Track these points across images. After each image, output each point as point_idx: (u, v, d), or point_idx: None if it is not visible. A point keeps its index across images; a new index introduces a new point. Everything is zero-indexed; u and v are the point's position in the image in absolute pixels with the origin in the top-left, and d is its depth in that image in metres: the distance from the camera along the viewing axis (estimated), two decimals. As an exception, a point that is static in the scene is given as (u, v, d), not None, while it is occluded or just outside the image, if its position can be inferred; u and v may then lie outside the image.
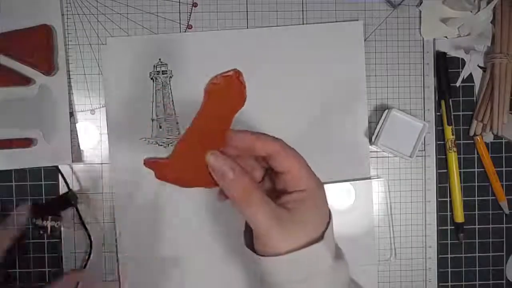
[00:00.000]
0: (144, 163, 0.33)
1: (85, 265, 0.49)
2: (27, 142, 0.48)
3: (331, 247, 0.33)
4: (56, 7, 0.49)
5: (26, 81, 0.48)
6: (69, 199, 0.48)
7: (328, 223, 0.33)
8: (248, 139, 0.33)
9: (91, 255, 0.49)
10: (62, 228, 0.49)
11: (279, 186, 0.34)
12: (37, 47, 0.47)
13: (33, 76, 0.48)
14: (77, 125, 0.50)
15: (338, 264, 0.33)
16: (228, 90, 0.31)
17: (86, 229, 0.49)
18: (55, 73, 0.49)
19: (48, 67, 0.48)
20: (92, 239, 0.49)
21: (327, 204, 0.34)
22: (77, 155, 0.49)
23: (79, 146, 0.50)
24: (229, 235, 0.50)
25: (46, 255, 0.50)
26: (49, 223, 0.46)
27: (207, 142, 0.32)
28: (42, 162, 0.49)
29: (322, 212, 0.33)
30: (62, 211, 0.49)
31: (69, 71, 0.49)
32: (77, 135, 0.50)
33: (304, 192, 0.32)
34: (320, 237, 0.32)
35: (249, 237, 0.33)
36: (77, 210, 0.49)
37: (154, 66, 0.49)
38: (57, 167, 0.49)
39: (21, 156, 0.48)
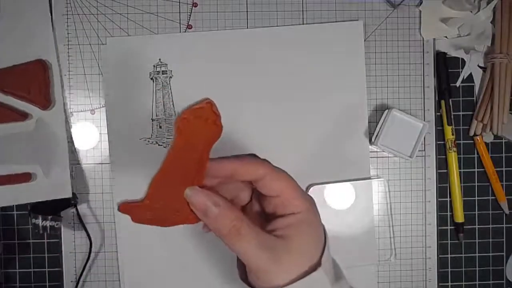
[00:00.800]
0: (119, 209, 0.31)
1: (85, 265, 0.49)
2: (26, 177, 0.47)
3: (329, 271, 0.31)
4: (51, 42, 0.48)
5: (23, 116, 0.47)
6: (69, 199, 0.48)
7: (324, 244, 0.31)
8: (229, 167, 0.30)
9: (91, 255, 0.49)
10: (62, 228, 0.49)
11: (269, 209, 0.32)
12: (33, 83, 0.47)
13: (30, 111, 0.47)
14: (77, 125, 0.50)
15: (338, 286, 0.31)
16: (201, 123, 0.29)
17: (86, 229, 0.49)
18: (52, 107, 0.48)
19: (45, 102, 0.47)
20: (92, 239, 0.49)
21: (321, 222, 0.32)
22: (75, 156, 0.49)
23: (75, 148, 0.49)
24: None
25: (46, 255, 0.50)
26: (49, 223, 0.46)
27: (184, 177, 0.30)
28: (42, 197, 0.47)
29: (318, 233, 0.31)
30: (62, 211, 0.49)
31: (65, 103, 0.49)
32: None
33: (297, 215, 0.30)
34: (318, 264, 0.30)
35: (243, 269, 0.31)
36: (77, 210, 0.49)
37: (154, 66, 0.49)
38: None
39: (20, 191, 0.47)
